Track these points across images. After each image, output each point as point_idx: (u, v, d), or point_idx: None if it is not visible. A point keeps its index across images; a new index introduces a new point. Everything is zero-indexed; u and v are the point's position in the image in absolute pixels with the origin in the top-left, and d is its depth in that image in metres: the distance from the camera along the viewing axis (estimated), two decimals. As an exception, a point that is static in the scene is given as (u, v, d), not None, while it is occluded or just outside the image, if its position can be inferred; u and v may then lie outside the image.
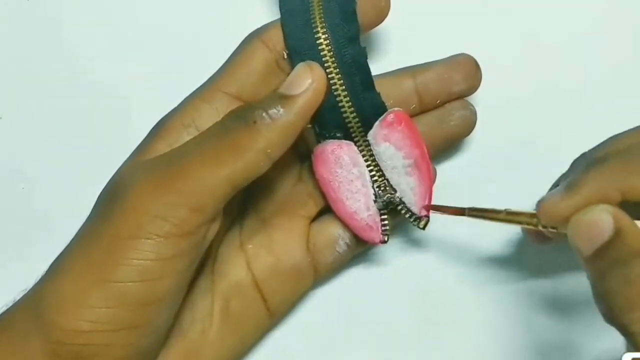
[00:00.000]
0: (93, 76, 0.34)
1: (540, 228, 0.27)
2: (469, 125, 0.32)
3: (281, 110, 0.26)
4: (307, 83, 0.27)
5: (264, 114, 0.26)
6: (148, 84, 0.34)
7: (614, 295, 0.23)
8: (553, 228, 0.26)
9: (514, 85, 0.33)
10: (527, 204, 0.28)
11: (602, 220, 0.24)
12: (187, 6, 0.34)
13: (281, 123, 0.26)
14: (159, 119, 0.29)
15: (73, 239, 0.27)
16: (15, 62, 0.34)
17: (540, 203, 0.26)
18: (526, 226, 0.27)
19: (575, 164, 0.30)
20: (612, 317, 0.24)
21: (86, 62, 0.34)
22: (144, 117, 0.29)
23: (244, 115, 0.26)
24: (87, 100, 0.34)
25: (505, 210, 0.28)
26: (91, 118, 0.34)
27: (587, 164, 0.26)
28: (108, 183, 0.28)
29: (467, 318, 0.33)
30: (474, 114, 0.32)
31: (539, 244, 0.31)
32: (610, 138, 0.28)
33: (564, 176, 0.30)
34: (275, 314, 0.32)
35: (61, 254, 0.27)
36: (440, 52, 0.31)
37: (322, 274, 0.32)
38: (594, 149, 0.28)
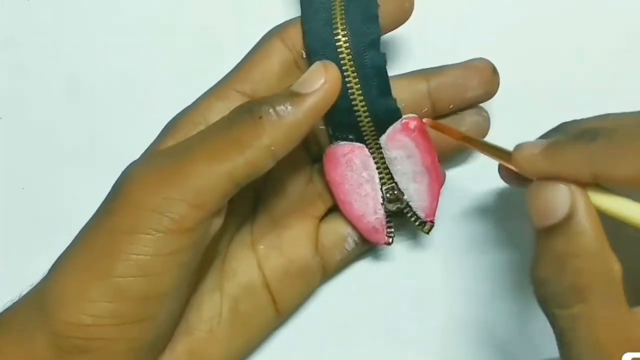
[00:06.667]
0: (96, 74, 0.33)
1: None
2: (482, 131, 0.31)
3: (289, 107, 0.25)
4: (320, 83, 0.26)
5: (270, 110, 0.25)
6: (156, 81, 0.33)
7: (547, 282, 0.23)
8: None
9: (526, 88, 0.33)
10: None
11: (559, 200, 0.23)
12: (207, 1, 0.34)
13: (288, 121, 0.25)
14: (164, 117, 0.29)
15: (78, 233, 0.27)
16: (16, 62, 0.34)
17: (516, 150, 0.25)
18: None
19: (564, 126, 0.27)
20: (542, 303, 0.24)
21: (89, 59, 0.34)
22: (146, 117, 0.29)
23: (250, 110, 0.26)
24: (89, 99, 0.34)
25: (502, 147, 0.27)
26: (92, 117, 0.34)
27: (576, 131, 0.25)
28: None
29: (468, 316, 0.33)
30: (486, 120, 0.31)
31: (517, 185, 0.29)
32: (607, 114, 0.26)
33: (551, 131, 0.28)
34: (283, 314, 0.31)
35: (67, 248, 0.27)
36: (455, 55, 0.31)
37: (329, 272, 0.32)
38: (588, 118, 0.27)
